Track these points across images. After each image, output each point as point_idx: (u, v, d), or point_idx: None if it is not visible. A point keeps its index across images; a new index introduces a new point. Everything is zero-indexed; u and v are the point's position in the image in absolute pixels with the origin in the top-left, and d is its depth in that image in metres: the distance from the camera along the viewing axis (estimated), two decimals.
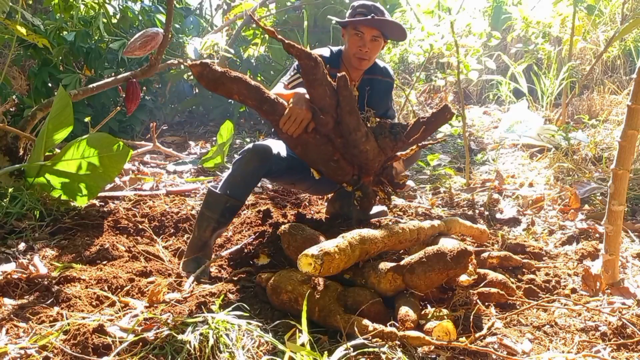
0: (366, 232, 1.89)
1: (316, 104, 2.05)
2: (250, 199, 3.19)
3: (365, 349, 1.51)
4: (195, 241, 2.34)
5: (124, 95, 3.43)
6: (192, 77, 5.29)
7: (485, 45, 4.21)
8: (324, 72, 2.00)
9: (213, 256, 2.45)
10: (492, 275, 1.99)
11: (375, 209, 2.87)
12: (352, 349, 1.48)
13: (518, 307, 1.89)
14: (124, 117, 4.49)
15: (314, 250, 1.68)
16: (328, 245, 1.73)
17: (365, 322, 1.60)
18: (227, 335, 1.56)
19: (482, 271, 2.01)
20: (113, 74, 4.19)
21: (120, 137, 3.89)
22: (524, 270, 2.20)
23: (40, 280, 2.05)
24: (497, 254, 2.19)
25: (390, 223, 2.25)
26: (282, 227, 2.09)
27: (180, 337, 1.56)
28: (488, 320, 1.77)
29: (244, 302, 1.82)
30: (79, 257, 2.32)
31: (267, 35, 5.23)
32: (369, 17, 2.38)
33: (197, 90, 5.53)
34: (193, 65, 1.83)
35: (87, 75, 4.42)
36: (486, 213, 2.84)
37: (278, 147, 2.42)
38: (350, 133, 2.09)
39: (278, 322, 1.69)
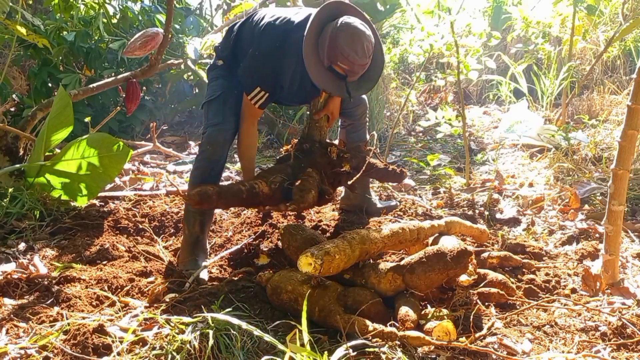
0: (366, 232, 1.89)
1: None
2: None
3: (365, 349, 1.51)
4: (188, 239, 2.36)
5: (124, 95, 3.43)
6: (192, 77, 5.29)
7: (485, 45, 4.22)
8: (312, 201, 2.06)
9: (213, 256, 2.46)
10: (492, 275, 1.99)
11: (386, 202, 2.94)
12: (352, 349, 1.48)
13: (518, 307, 1.89)
14: (124, 117, 4.49)
15: (314, 250, 1.68)
16: (328, 245, 1.73)
17: (365, 322, 1.60)
18: (227, 335, 1.56)
19: (482, 271, 2.01)
20: (113, 74, 4.18)
21: (120, 137, 3.89)
22: (524, 270, 2.20)
23: (40, 280, 2.05)
24: (497, 254, 2.19)
25: (390, 223, 2.25)
26: (282, 226, 2.09)
27: (180, 337, 1.56)
28: (488, 320, 1.77)
29: (244, 302, 1.82)
30: (79, 257, 2.32)
31: None
32: (341, 90, 2.14)
33: (197, 90, 5.53)
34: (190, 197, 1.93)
35: (87, 75, 4.42)
36: (486, 213, 2.84)
37: (229, 121, 2.34)
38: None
39: (278, 322, 1.69)
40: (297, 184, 2.02)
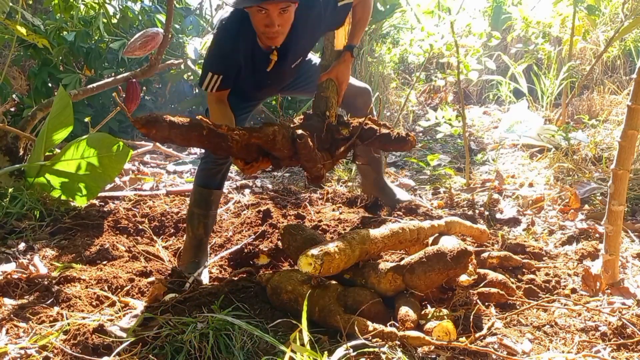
0: (366, 232, 1.89)
1: (274, 153, 1.89)
2: (251, 199, 3.19)
3: (365, 349, 1.51)
4: (191, 242, 2.35)
5: (124, 95, 3.44)
6: (192, 77, 5.29)
7: (485, 46, 4.21)
8: (281, 140, 1.81)
9: (213, 256, 2.46)
10: (492, 275, 1.99)
11: (406, 196, 2.88)
12: (352, 349, 1.48)
13: (518, 307, 1.89)
14: (124, 117, 4.49)
15: (314, 250, 1.68)
16: (328, 245, 1.73)
17: (365, 322, 1.60)
18: (227, 335, 1.56)
19: (482, 271, 2.00)
20: (113, 74, 4.19)
21: (120, 137, 3.89)
22: (524, 270, 2.20)
23: (40, 280, 2.05)
24: (497, 254, 2.19)
25: (390, 223, 2.25)
26: (282, 227, 2.09)
27: (180, 337, 1.56)
28: (488, 320, 1.77)
29: (244, 302, 1.82)
30: (79, 257, 2.32)
31: None
32: None
33: (197, 90, 5.53)
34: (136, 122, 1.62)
35: (87, 75, 4.42)
36: (486, 213, 2.84)
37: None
38: (306, 169, 1.97)
39: (278, 322, 1.69)
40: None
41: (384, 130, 2.06)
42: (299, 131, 1.81)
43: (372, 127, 2.06)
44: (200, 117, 1.67)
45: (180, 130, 1.61)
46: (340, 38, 2.29)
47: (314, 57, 2.52)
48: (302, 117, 2.07)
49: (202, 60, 2.23)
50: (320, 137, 1.95)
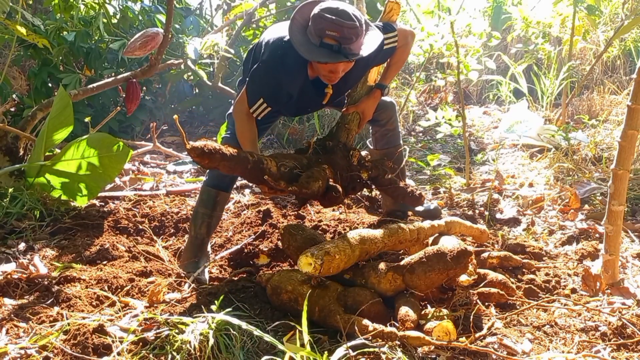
0: (366, 232, 1.89)
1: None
2: (251, 199, 3.19)
3: (365, 349, 1.51)
4: (193, 241, 2.36)
5: (124, 95, 3.43)
6: (192, 77, 5.29)
7: (485, 46, 4.22)
8: (318, 190, 1.94)
9: (213, 256, 2.46)
10: (492, 275, 1.99)
11: (426, 205, 2.82)
12: (352, 349, 1.48)
13: (518, 307, 1.89)
14: (124, 117, 4.49)
15: (314, 250, 1.68)
16: (328, 245, 1.73)
17: (365, 322, 1.60)
18: (227, 335, 1.56)
19: (482, 271, 2.01)
20: (113, 74, 4.18)
21: (120, 137, 3.88)
22: (524, 270, 2.20)
23: (40, 280, 2.05)
24: (497, 254, 2.19)
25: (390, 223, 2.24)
26: (282, 227, 2.09)
27: (180, 337, 1.56)
28: (488, 320, 1.77)
29: (244, 302, 1.82)
30: (79, 257, 2.32)
31: None
32: (338, 57, 1.95)
33: (197, 90, 5.53)
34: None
35: (87, 75, 4.41)
36: (486, 213, 2.84)
37: None
38: (322, 205, 2.12)
39: (278, 322, 1.69)
40: (307, 172, 1.93)
41: (401, 184, 2.25)
42: (337, 188, 1.97)
43: (390, 179, 2.20)
44: (267, 172, 1.83)
45: (229, 163, 1.75)
46: (373, 73, 2.37)
47: None
48: (322, 143, 2.15)
49: (249, 78, 2.24)
50: (342, 176, 2.08)
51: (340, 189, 1.97)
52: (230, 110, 2.35)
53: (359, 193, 2.25)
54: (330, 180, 2.00)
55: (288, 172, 1.93)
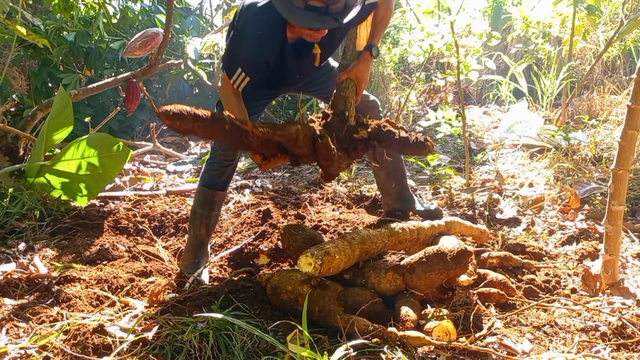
0: (366, 232, 1.89)
1: (294, 151, 1.89)
2: (251, 199, 3.19)
3: (365, 349, 1.51)
4: (192, 241, 2.36)
5: (124, 95, 3.43)
6: (192, 77, 5.29)
7: (485, 46, 4.21)
8: (303, 139, 1.83)
9: (213, 256, 2.46)
10: (492, 275, 1.99)
11: (427, 206, 2.77)
12: (352, 349, 1.48)
13: (518, 307, 1.89)
14: (124, 117, 4.49)
15: (314, 250, 1.68)
16: (328, 245, 1.73)
17: (365, 322, 1.60)
18: (227, 335, 1.56)
19: (482, 271, 2.00)
20: (113, 74, 4.19)
21: (120, 137, 3.88)
22: (524, 270, 2.20)
23: (40, 280, 2.05)
24: (497, 254, 2.19)
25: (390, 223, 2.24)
26: (282, 227, 2.09)
27: (180, 337, 1.56)
28: (488, 320, 1.77)
29: (244, 302, 1.82)
30: (79, 257, 2.32)
31: None
32: (327, 21, 1.88)
33: (197, 90, 5.53)
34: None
35: (87, 75, 4.42)
36: (486, 213, 2.84)
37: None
38: (323, 167, 1.98)
39: (278, 322, 1.69)
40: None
41: (403, 134, 2.04)
42: (321, 131, 1.82)
43: (391, 130, 2.03)
44: (226, 113, 1.69)
45: (204, 124, 1.63)
46: (362, 39, 2.27)
47: (332, 61, 2.51)
48: (320, 115, 2.06)
49: (226, 49, 2.17)
50: (339, 137, 1.95)
51: (327, 134, 1.84)
52: (218, 100, 2.29)
53: (364, 154, 2.06)
54: (318, 130, 1.85)
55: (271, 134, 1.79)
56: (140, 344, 1.60)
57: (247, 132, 1.70)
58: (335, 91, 2.15)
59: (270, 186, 3.57)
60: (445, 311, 1.76)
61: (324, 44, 2.13)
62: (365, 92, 2.46)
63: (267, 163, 1.85)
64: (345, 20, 1.90)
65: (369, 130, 2.02)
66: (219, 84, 4.63)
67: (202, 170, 2.37)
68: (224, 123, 1.67)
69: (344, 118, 2.03)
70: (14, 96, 3.97)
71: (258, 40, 2.02)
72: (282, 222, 2.67)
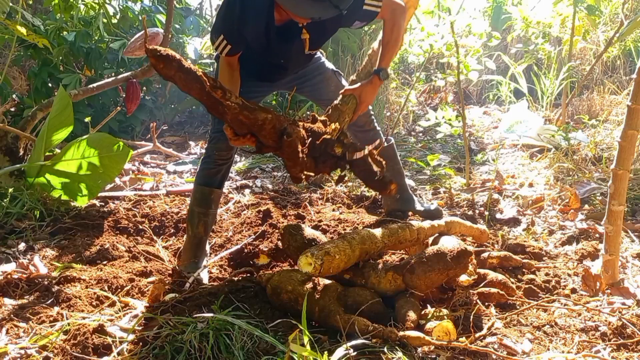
0: (366, 232, 1.89)
1: (260, 138, 1.84)
2: (251, 199, 3.19)
3: (365, 349, 1.51)
4: (191, 240, 2.36)
5: (124, 95, 3.43)
6: None
7: (485, 46, 4.21)
8: (269, 129, 1.78)
9: (213, 256, 2.46)
10: (492, 275, 1.99)
11: (427, 206, 2.76)
12: (352, 349, 1.48)
13: (518, 307, 1.89)
14: (124, 117, 4.49)
15: (314, 250, 1.68)
16: (328, 245, 1.73)
17: (365, 322, 1.60)
18: (227, 335, 1.56)
19: (482, 271, 2.00)
20: (113, 74, 4.19)
21: (120, 137, 3.89)
22: (524, 270, 2.20)
23: (40, 280, 2.05)
24: (497, 254, 2.19)
25: (390, 223, 2.24)
26: (282, 227, 2.09)
27: (180, 337, 1.56)
28: (488, 320, 1.77)
29: (244, 302, 1.82)
30: (79, 257, 2.32)
31: None
32: (328, 8, 1.81)
33: None
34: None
35: (87, 75, 4.42)
36: (486, 213, 2.84)
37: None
38: (286, 166, 1.93)
39: (278, 322, 1.69)
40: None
41: (373, 169, 2.00)
42: (291, 129, 1.78)
43: (364, 160, 1.99)
44: (203, 73, 1.65)
45: (185, 76, 1.61)
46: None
47: (328, 63, 2.48)
48: (309, 117, 2.01)
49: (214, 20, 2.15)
50: (314, 144, 1.91)
51: (294, 133, 1.79)
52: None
53: (332, 171, 2.00)
54: (295, 132, 1.80)
55: (254, 107, 1.75)
56: (140, 344, 1.60)
57: (219, 100, 1.67)
58: (335, 102, 2.14)
59: (270, 186, 3.57)
60: (445, 311, 1.76)
61: (312, 29, 2.08)
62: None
63: (236, 140, 1.81)
64: (345, 6, 1.83)
65: (344, 149, 1.97)
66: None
67: (198, 168, 2.39)
68: (202, 83, 1.64)
69: (327, 130, 1.98)
70: (14, 96, 3.97)
71: (240, 9, 1.98)
72: (282, 222, 2.67)
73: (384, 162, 2.05)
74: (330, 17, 1.86)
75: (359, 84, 2.19)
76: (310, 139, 1.89)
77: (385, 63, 2.24)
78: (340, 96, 2.16)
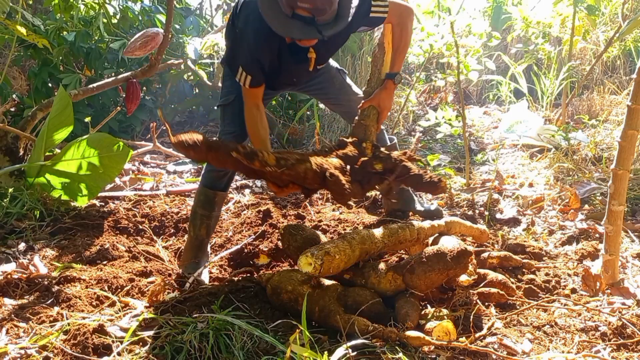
0: (366, 231, 1.89)
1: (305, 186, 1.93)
2: (251, 199, 3.19)
3: (365, 349, 1.51)
4: (192, 241, 2.35)
5: (124, 95, 3.43)
6: (192, 77, 5.29)
7: (485, 46, 4.21)
8: (312, 176, 1.84)
9: (213, 256, 2.46)
10: (492, 275, 1.99)
11: (427, 206, 2.78)
12: (352, 349, 1.48)
13: (518, 307, 1.89)
14: (124, 117, 4.49)
15: (313, 250, 1.68)
16: (328, 245, 1.73)
17: (365, 322, 1.60)
18: (227, 335, 1.56)
19: (482, 271, 2.01)
20: (113, 74, 4.19)
21: (120, 137, 3.88)
22: (524, 270, 2.20)
23: (40, 280, 2.05)
24: (497, 254, 2.19)
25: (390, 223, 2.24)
26: (282, 227, 2.09)
27: (180, 337, 1.56)
28: (488, 320, 1.77)
29: (244, 302, 1.82)
30: (79, 257, 2.32)
31: None
32: (311, 32, 1.86)
33: (197, 90, 5.53)
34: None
35: (87, 75, 4.42)
36: (486, 213, 2.84)
37: (245, 129, 2.21)
38: (335, 198, 1.98)
39: (278, 322, 1.69)
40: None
41: (418, 172, 2.03)
42: (331, 171, 1.83)
43: (406, 166, 2.02)
44: (235, 151, 1.69)
45: (217, 155, 1.69)
46: (387, 65, 2.28)
47: (332, 60, 2.48)
48: (337, 143, 2.06)
49: (227, 48, 2.17)
50: (354, 169, 1.96)
51: (336, 174, 1.85)
52: (220, 102, 2.31)
53: (380, 188, 2.08)
54: (336, 170, 1.87)
55: (288, 164, 1.81)
56: (140, 344, 1.60)
57: (257, 170, 1.74)
58: (356, 118, 2.18)
59: None
60: (445, 311, 1.76)
61: (319, 49, 2.12)
62: (362, 94, 2.45)
63: (281, 191, 1.87)
64: (329, 33, 1.88)
65: (385, 164, 2.02)
66: (219, 84, 4.65)
67: (204, 170, 2.36)
68: (236, 157, 1.70)
69: (360, 149, 2.04)
70: (14, 96, 3.97)
71: (253, 37, 2.01)
72: (282, 222, 2.67)
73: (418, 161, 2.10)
74: (313, 38, 1.91)
75: (374, 93, 2.21)
76: (348, 165, 1.95)
77: (397, 67, 2.27)
78: (359, 111, 2.20)
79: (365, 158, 2.00)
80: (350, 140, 2.05)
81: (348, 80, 2.47)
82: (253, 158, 1.71)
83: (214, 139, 1.72)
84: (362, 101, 2.24)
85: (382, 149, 2.08)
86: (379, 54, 2.28)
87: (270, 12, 1.87)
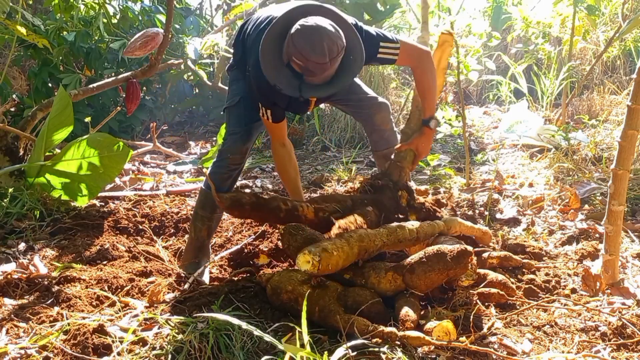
0: (364, 230, 1.89)
1: None
2: None
3: (365, 349, 1.51)
4: (193, 242, 2.35)
5: (124, 95, 3.43)
6: (192, 77, 5.29)
7: (485, 46, 4.21)
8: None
9: (213, 256, 2.46)
10: (492, 275, 1.99)
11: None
12: (352, 349, 1.48)
13: (518, 307, 1.89)
14: (124, 117, 4.49)
15: (311, 247, 1.68)
16: (325, 242, 1.73)
17: (365, 322, 1.60)
18: (227, 335, 1.56)
19: (482, 271, 2.00)
20: (113, 74, 4.19)
21: (120, 137, 3.89)
22: (524, 270, 2.20)
23: (40, 280, 2.05)
24: (497, 254, 2.19)
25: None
26: (282, 227, 2.09)
27: (180, 337, 1.56)
28: (488, 320, 1.77)
29: (244, 302, 1.82)
30: (79, 257, 2.32)
31: None
32: (294, 89, 1.89)
33: (197, 90, 5.53)
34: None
35: (87, 75, 4.42)
36: (486, 213, 2.84)
37: (249, 130, 2.26)
38: None
39: (278, 322, 1.68)
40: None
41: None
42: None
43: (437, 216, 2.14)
44: (280, 211, 1.85)
45: (259, 213, 1.82)
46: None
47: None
48: (370, 182, 2.14)
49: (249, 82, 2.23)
50: (388, 218, 2.06)
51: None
52: (226, 104, 2.32)
53: None
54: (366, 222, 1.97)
55: (327, 217, 1.93)
56: (140, 344, 1.60)
57: (299, 216, 1.90)
58: (392, 158, 2.26)
59: (270, 186, 3.57)
60: (445, 311, 1.76)
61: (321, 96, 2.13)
62: (373, 94, 2.47)
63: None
64: (309, 95, 1.93)
65: (418, 215, 2.13)
66: (219, 84, 4.65)
67: (208, 172, 2.32)
68: (279, 212, 1.86)
69: (396, 197, 2.13)
70: (14, 96, 3.97)
71: (266, 85, 2.00)
72: None
73: (445, 199, 2.30)
74: (293, 95, 1.94)
75: (412, 137, 2.29)
76: (382, 212, 2.09)
77: (429, 111, 2.29)
78: (395, 152, 2.27)
79: (402, 207, 2.13)
80: (388, 184, 2.14)
81: (357, 80, 2.46)
82: (294, 214, 1.89)
83: (262, 196, 1.85)
84: (400, 143, 2.31)
85: (416, 195, 2.18)
86: (419, 95, 2.32)
87: (268, 53, 1.89)
